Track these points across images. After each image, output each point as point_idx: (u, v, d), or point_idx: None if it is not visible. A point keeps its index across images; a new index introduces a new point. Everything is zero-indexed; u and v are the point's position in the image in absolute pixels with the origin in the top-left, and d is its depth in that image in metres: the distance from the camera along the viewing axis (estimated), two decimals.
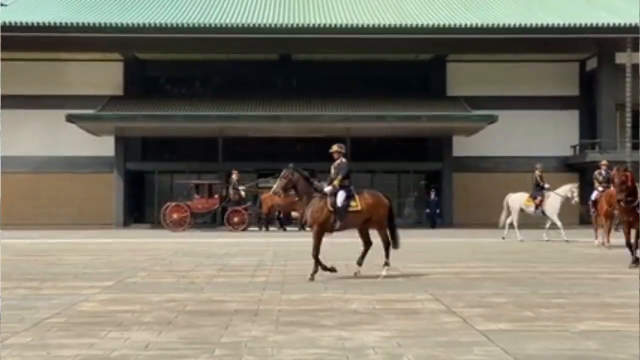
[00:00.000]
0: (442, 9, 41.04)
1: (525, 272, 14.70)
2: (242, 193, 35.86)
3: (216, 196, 36.34)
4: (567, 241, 24.41)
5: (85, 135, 38.84)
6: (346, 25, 37.65)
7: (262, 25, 37.55)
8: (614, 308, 10.03)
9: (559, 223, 25.57)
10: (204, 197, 36.17)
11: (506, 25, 37.45)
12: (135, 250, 21.59)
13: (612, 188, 18.24)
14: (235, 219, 35.02)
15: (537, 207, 25.86)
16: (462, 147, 40.84)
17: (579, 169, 39.80)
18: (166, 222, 34.91)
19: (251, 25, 37.49)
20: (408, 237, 29.35)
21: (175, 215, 35.12)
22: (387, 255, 14.06)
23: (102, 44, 38.26)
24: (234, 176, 35.91)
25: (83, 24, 36.85)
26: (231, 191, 35.73)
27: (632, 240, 15.85)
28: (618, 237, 21.04)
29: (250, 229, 35.28)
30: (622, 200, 15.71)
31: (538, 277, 13.77)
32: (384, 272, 13.73)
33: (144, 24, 37.22)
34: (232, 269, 15.58)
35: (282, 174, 14.56)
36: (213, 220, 38.72)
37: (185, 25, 37.27)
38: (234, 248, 21.83)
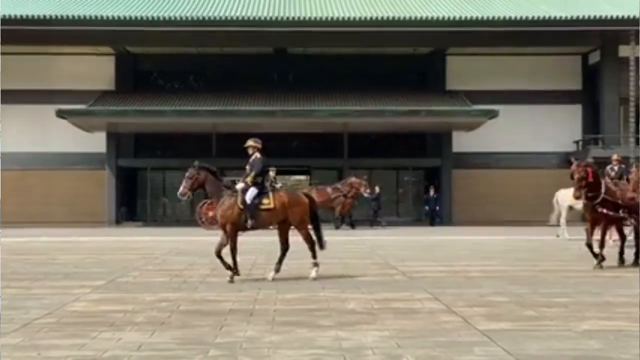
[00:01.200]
0: (441, 1, 41.03)
1: (526, 271, 14.72)
2: None
3: None
4: (569, 239, 24.44)
5: (75, 131, 38.79)
6: (343, 18, 37.62)
7: (257, 18, 37.50)
8: (616, 307, 10.05)
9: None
10: None
11: (507, 18, 37.43)
12: (128, 248, 21.59)
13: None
14: None
15: None
16: (462, 142, 40.85)
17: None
18: (201, 220, 34.86)
19: (246, 18, 37.43)
20: (407, 235, 29.45)
21: (210, 213, 34.93)
22: (313, 256, 13.69)
23: (93, 37, 38.17)
24: (271, 172, 35.62)
25: (73, 16, 36.77)
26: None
27: (602, 238, 15.50)
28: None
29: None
30: (581, 197, 15.41)
31: (539, 276, 13.80)
32: (313, 274, 13.37)
33: (136, 17, 37.15)
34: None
35: (187, 173, 14.26)
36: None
37: (179, 18, 37.22)
38: (228, 246, 21.76)
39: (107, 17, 36.92)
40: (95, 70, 41.40)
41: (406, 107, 38.24)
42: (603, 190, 15.32)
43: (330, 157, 40.94)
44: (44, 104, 38.84)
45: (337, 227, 34.48)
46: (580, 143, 41.29)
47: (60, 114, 36.91)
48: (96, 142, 40.52)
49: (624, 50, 38.21)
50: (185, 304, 10.43)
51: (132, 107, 38.21)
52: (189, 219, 40.81)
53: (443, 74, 42.15)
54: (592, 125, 41.06)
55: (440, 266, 15.75)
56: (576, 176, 15.19)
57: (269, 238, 26.38)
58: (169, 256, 18.79)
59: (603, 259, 15.19)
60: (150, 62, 42.66)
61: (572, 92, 41.86)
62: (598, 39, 39.04)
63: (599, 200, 15.27)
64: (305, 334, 8.24)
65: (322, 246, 13.91)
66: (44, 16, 36.45)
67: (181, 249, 21.00)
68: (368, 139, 41.68)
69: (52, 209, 40.19)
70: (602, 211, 15.32)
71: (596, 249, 15.35)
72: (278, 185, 35.37)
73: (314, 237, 13.86)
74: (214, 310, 9.92)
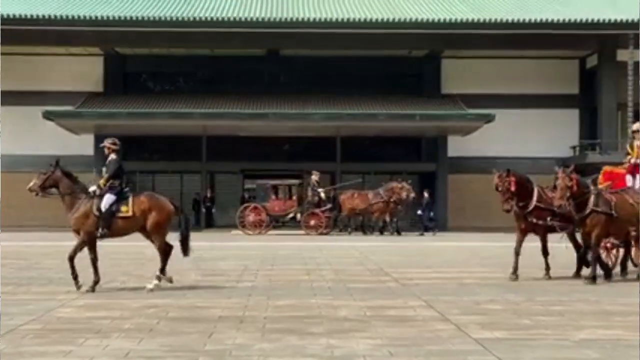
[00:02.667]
0: (437, 3, 41.07)
1: (522, 278, 14.71)
2: (322, 195, 35.18)
3: (294, 198, 35.73)
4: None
5: (63, 133, 38.71)
6: (336, 19, 37.66)
7: (249, 19, 37.52)
8: (614, 316, 10.07)
9: None
10: (282, 199, 35.65)
11: (504, 21, 37.52)
12: (115, 253, 21.53)
13: None
14: (312, 222, 34.60)
15: None
16: (458, 147, 40.88)
17: (578, 171, 39.85)
18: (242, 224, 34.83)
19: (237, 19, 37.44)
20: (400, 242, 29.47)
21: (251, 217, 34.93)
22: (162, 268, 13.09)
23: (81, 38, 38.12)
24: (314, 177, 35.43)
25: (61, 16, 36.73)
26: (309, 192, 35.38)
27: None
28: None
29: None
30: (510, 210, 14.90)
31: (535, 284, 13.81)
32: (150, 285, 12.71)
33: (125, 17, 37.14)
34: (216, 274, 15.59)
35: (42, 170, 13.56)
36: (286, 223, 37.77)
37: (169, 19, 37.21)
38: (218, 252, 21.80)
39: (96, 17, 36.89)
40: (83, 71, 41.32)
41: (401, 111, 38.26)
42: (535, 198, 14.89)
43: (322, 161, 40.88)
44: (31, 106, 38.76)
45: (381, 233, 34.44)
46: (578, 148, 41.38)
47: (47, 116, 36.83)
48: (84, 145, 40.40)
49: (622, 55, 38.31)
50: (174, 311, 10.41)
51: (120, 109, 38.14)
52: (177, 224, 40.78)
53: (438, 77, 42.19)
54: (590, 130, 41.15)
55: (435, 273, 15.76)
56: (500, 189, 14.88)
57: (263, 243, 26.42)
58: (157, 261, 18.71)
59: (548, 268, 14.91)
60: (139, 63, 42.59)
61: (569, 96, 41.94)
62: (596, 42, 39.14)
63: (530, 209, 14.88)
64: (296, 341, 8.24)
65: (186, 253, 13.55)
66: (31, 16, 36.40)
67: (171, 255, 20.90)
68: (362, 143, 41.67)
69: (37, 212, 40.03)
70: (532, 221, 14.91)
71: (544, 257, 15.13)
72: (321, 192, 35.40)
73: (181, 247, 13.43)
74: (203, 317, 9.91)
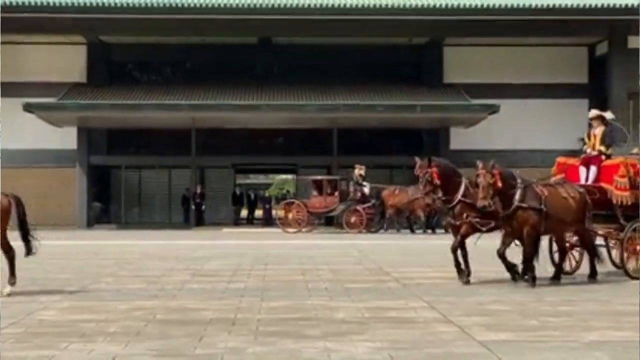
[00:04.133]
0: None
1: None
2: (366, 190, 35.01)
3: (336, 194, 35.46)
4: None
5: (44, 126, 38.69)
6: (333, 5, 37.63)
7: (240, 5, 37.48)
8: (625, 316, 10.07)
9: None
10: (323, 195, 35.40)
11: (508, 6, 37.51)
12: (100, 253, 21.55)
13: None
14: (352, 219, 34.39)
15: None
16: (461, 139, 40.91)
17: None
18: (281, 222, 34.77)
19: (228, 5, 37.40)
20: (400, 240, 29.50)
21: (290, 215, 34.76)
22: (11, 272, 12.39)
23: (63, 26, 38.08)
24: (357, 171, 35.19)
25: (42, 3, 36.68)
26: (352, 188, 35.19)
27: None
28: None
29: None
30: (433, 203, 14.52)
31: (542, 283, 13.80)
32: (6, 290, 12.15)
33: (110, 3, 37.07)
34: (206, 274, 15.58)
35: None
36: (330, 221, 37.53)
37: (155, 5, 37.15)
38: (209, 250, 21.81)
39: (79, 4, 36.83)
40: (66, 61, 41.28)
41: (400, 102, 38.28)
42: (461, 192, 14.13)
43: (318, 155, 40.94)
44: (10, 97, 38.64)
45: (424, 231, 34.28)
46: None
47: (28, 108, 36.79)
48: (66, 138, 40.40)
49: (633, 42, 38.32)
50: (162, 313, 10.41)
51: (105, 101, 38.12)
52: (165, 222, 40.81)
53: (440, 66, 42.19)
54: None
55: (436, 272, 15.76)
56: (421, 180, 14.26)
57: (256, 242, 26.44)
58: (144, 261, 18.76)
59: (469, 273, 14.13)
60: (125, 53, 42.54)
61: (577, 85, 41.97)
62: (606, 29, 39.16)
63: (454, 204, 14.17)
64: (291, 345, 8.24)
65: (28, 252, 12.98)
66: (10, 2, 36.31)
67: (158, 254, 20.96)
68: (359, 136, 41.69)
69: None
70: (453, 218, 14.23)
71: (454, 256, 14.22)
72: (365, 186, 35.25)
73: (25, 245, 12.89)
74: (193, 319, 9.91)
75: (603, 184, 14.83)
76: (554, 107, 41.46)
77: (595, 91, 41.65)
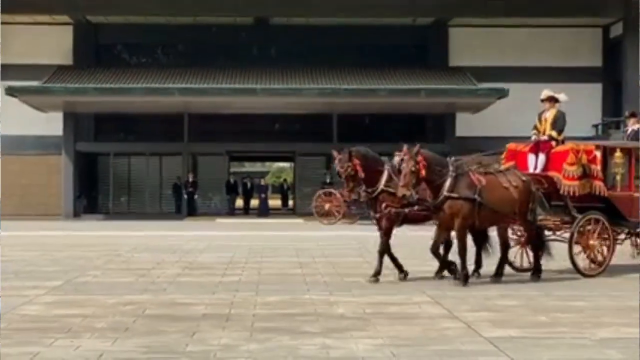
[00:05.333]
0: None
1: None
2: None
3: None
4: None
5: (28, 111, 38.62)
6: None
7: None
8: (638, 312, 10.09)
9: None
10: None
11: None
12: (87, 244, 21.56)
13: None
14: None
15: None
16: (467, 126, 40.89)
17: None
18: (318, 212, 34.79)
19: None
20: (404, 230, 29.47)
21: (327, 206, 34.87)
22: None
23: (47, 5, 37.97)
24: (397, 157, 35.15)
25: None
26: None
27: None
28: None
29: None
30: (352, 193, 13.89)
31: (552, 276, 13.84)
32: None
33: None
34: (199, 267, 15.60)
35: None
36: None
37: None
38: (201, 242, 21.83)
39: None
40: (51, 42, 41.17)
41: (404, 86, 38.20)
42: (384, 180, 13.74)
43: (317, 142, 40.89)
44: None
45: None
46: (600, 127, 41.41)
47: (10, 92, 36.70)
48: (51, 124, 40.33)
49: None
50: (153, 308, 10.43)
51: (92, 84, 38.02)
52: (156, 212, 40.80)
53: (446, 48, 42.13)
54: (614, 106, 41.15)
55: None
56: (341, 171, 13.78)
57: (252, 233, 26.45)
58: (134, 253, 18.78)
59: (400, 270, 13.69)
60: (113, 34, 42.44)
61: (591, 69, 41.93)
62: (621, 9, 39.06)
63: (375, 194, 13.74)
64: (288, 341, 8.26)
65: None
66: None
67: (148, 245, 20.97)
68: (360, 122, 41.65)
69: (0, 199, 40.06)
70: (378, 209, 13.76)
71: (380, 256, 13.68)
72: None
73: None
74: (185, 314, 9.93)
75: (551, 173, 14.33)
76: (566, 91, 40.80)
77: (610, 75, 41.62)
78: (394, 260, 13.84)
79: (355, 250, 19.54)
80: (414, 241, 17.56)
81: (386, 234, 13.84)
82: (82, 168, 41.42)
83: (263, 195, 43.49)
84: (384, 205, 13.70)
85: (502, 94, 37.27)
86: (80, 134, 41.37)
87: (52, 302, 10.96)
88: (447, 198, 12.92)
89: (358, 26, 41.47)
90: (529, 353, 7.75)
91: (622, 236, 15.36)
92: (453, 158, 13.58)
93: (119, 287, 12.58)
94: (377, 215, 13.84)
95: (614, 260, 14.68)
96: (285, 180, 61.01)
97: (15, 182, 40.21)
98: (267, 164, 77.75)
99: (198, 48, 42.02)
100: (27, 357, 7.55)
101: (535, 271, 13.83)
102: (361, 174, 13.70)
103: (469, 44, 41.63)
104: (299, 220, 35.87)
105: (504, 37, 41.51)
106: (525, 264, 14.55)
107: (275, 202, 52.50)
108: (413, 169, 12.75)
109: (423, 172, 12.79)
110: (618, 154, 14.74)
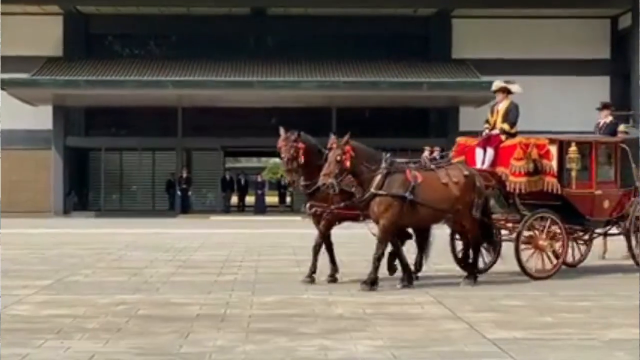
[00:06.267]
0: None
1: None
2: None
3: None
4: None
5: (16, 105, 38.59)
6: None
7: None
8: None
9: None
10: None
11: None
12: (78, 243, 21.57)
13: None
14: None
15: None
16: (471, 120, 40.83)
17: None
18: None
19: None
20: None
21: None
22: None
23: None
24: (426, 153, 35.13)
25: None
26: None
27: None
28: None
29: None
30: (295, 184, 13.63)
31: (557, 275, 13.83)
32: None
33: None
34: (193, 266, 15.61)
35: None
36: None
37: None
38: (196, 240, 21.83)
39: None
40: (40, 33, 41.11)
41: (405, 79, 38.21)
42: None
43: (315, 137, 40.86)
44: None
45: None
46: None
47: None
48: (40, 118, 40.30)
49: None
50: (145, 308, 10.44)
51: (83, 77, 38.02)
52: (149, 209, 40.79)
53: (449, 40, 42.09)
54: (622, 100, 41.11)
55: (444, 263, 15.77)
56: (284, 155, 13.47)
57: (247, 231, 26.46)
58: (126, 251, 18.78)
59: (313, 271, 13.24)
60: (104, 24, 42.39)
61: (599, 61, 41.92)
62: None
63: (312, 189, 13.16)
64: (285, 343, 8.27)
65: None
66: None
67: (140, 244, 20.99)
68: (360, 116, 41.64)
69: None
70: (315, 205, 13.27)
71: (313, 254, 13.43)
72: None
73: None
74: (179, 315, 9.94)
75: (499, 169, 13.90)
76: (573, 84, 41.42)
77: (618, 68, 41.62)
78: (331, 259, 13.55)
79: (352, 249, 19.51)
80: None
81: (325, 232, 13.50)
82: (72, 164, 41.41)
83: (260, 192, 43.48)
84: (308, 205, 13.45)
85: None
86: (71, 128, 41.37)
87: (42, 302, 10.97)
88: (374, 195, 12.54)
89: (358, 17, 41.44)
90: (535, 355, 7.76)
91: (587, 237, 15.04)
92: (389, 154, 13.16)
93: (110, 286, 12.58)
94: (311, 211, 13.39)
95: (613, 261, 14.66)
96: (282, 176, 61.00)
97: (2, 178, 40.13)
98: (264, 159, 77.64)
99: (192, 39, 41.95)
100: (16, 358, 7.56)
101: (470, 273, 13.25)
102: (301, 159, 13.26)
103: (473, 36, 41.60)
104: (297, 218, 35.82)
105: (509, 28, 41.48)
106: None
107: (272, 199, 52.51)
108: (338, 158, 12.36)
109: (347, 164, 12.37)
110: (573, 148, 14.27)
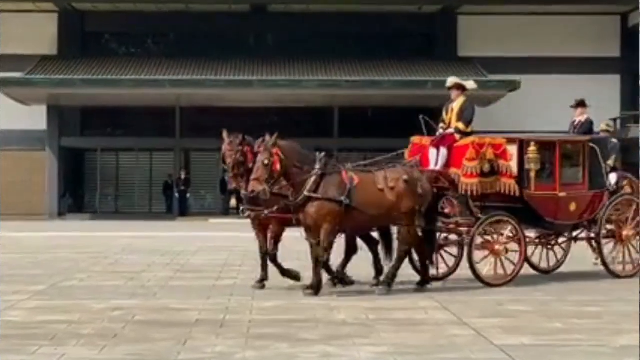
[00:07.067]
0: None
1: (552, 274, 14.75)
2: None
3: None
4: None
5: (10, 104, 38.61)
6: None
7: None
8: None
9: None
10: None
11: None
12: (73, 246, 21.57)
13: None
14: (447, 209, 34.12)
15: None
16: (477, 120, 40.61)
17: (619, 148, 39.87)
18: None
19: None
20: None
21: None
22: None
23: None
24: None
25: None
26: None
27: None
28: None
29: None
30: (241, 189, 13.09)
31: (567, 279, 13.83)
32: None
33: None
34: (192, 270, 15.61)
35: None
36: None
37: None
38: (193, 244, 21.82)
39: None
40: (35, 31, 41.14)
41: (409, 77, 38.21)
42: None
43: (317, 137, 40.81)
44: None
45: None
46: (619, 121, 41.39)
47: None
48: (35, 118, 40.32)
49: None
50: (142, 313, 10.43)
51: (78, 76, 38.04)
52: (146, 211, 40.81)
53: (454, 38, 42.12)
54: (633, 99, 41.14)
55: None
56: (228, 160, 13.16)
57: (246, 234, 26.42)
58: (122, 255, 18.79)
59: (264, 279, 13.19)
60: (100, 22, 42.42)
61: (608, 59, 41.91)
62: None
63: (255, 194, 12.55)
64: (286, 349, 8.26)
65: None
66: None
67: (137, 247, 20.99)
68: (363, 116, 41.67)
69: None
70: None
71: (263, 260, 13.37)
72: None
73: None
74: (177, 320, 9.93)
75: (451, 170, 13.70)
76: (582, 83, 41.31)
77: (629, 66, 41.58)
78: (277, 266, 13.39)
79: (358, 252, 19.49)
80: None
81: (275, 238, 13.45)
82: (67, 165, 41.43)
83: None
84: (242, 208, 13.37)
85: (513, 86, 37.27)
86: (66, 128, 41.36)
87: (36, 308, 10.97)
88: (308, 199, 12.31)
89: (361, 14, 41.45)
90: None
91: (554, 241, 14.77)
92: (323, 154, 12.93)
93: (106, 291, 12.58)
94: (252, 215, 13.22)
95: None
96: None
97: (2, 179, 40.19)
98: None
99: (191, 37, 41.98)
100: None
101: (422, 281, 13.09)
102: (249, 164, 12.95)
103: (479, 33, 41.61)
104: None
105: (516, 25, 41.46)
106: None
107: None
108: (266, 162, 12.16)
109: (277, 166, 12.18)
110: (532, 148, 14.02)
